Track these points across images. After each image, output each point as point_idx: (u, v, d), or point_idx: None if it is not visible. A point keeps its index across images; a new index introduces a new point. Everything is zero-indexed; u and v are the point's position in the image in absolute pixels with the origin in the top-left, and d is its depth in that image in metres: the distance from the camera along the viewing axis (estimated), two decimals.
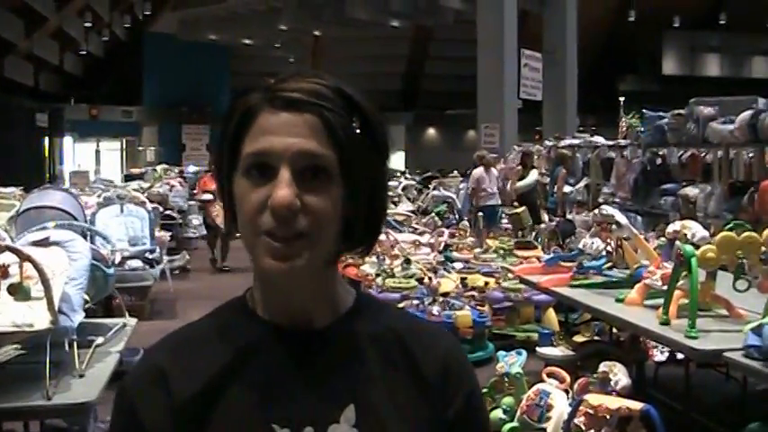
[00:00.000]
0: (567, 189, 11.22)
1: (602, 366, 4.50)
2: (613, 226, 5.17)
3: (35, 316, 3.21)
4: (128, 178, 21.94)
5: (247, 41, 34.08)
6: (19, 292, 3.27)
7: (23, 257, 3.26)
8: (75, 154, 30.88)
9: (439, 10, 26.08)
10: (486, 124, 19.83)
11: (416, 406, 1.14)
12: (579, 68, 23.14)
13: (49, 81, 26.88)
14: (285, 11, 28.43)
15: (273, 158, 1.05)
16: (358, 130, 1.10)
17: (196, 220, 17.90)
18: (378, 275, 8.05)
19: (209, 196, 12.62)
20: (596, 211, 5.50)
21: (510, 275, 7.45)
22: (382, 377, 1.14)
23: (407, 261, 8.14)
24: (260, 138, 1.07)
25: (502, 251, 9.73)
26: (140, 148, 32.79)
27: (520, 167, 12.97)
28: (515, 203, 13.53)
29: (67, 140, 29.78)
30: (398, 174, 26.89)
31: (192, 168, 29.28)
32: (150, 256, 7.83)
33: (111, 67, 30.73)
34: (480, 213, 13.50)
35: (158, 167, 21.54)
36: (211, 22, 30.73)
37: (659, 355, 6.25)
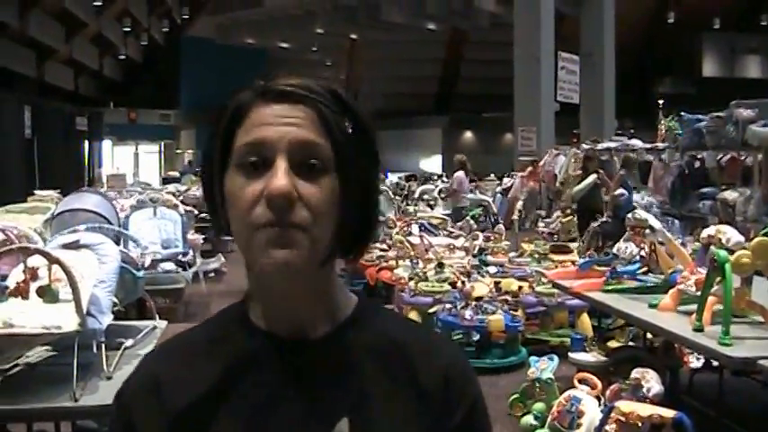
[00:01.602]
0: (619, 191, 11.03)
1: (635, 373, 4.44)
2: (647, 230, 5.10)
3: (63, 318, 3.23)
4: (165, 181, 22.11)
5: (284, 45, 34.30)
6: (47, 294, 3.30)
7: (52, 260, 3.28)
8: (114, 157, 31.24)
9: (474, 13, 26.06)
10: (522, 127, 19.74)
11: (415, 419, 1.10)
12: (616, 71, 22.95)
13: (89, 85, 27.21)
14: (321, 14, 28.58)
15: (268, 148, 1.03)
16: (350, 131, 1.08)
17: None
18: (410, 279, 8.02)
19: None
20: (630, 215, 5.43)
21: (544, 280, 7.37)
22: (380, 389, 1.11)
23: (440, 265, 8.10)
24: (254, 130, 1.04)
25: (537, 255, 9.66)
26: (178, 151, 33.07)
27: (580, 171, 12.80)
28: (567, 209, 13.50)
29: (106, 144, 30.11)
30: (435, 177, 26.86)
31: None
32: (183, 259, 7.87)
33: (149, 72, 31.05)
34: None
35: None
36: (248, 26, 30.97)
37: (695, 361, 6.14)
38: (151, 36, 28.66)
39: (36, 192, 8.09)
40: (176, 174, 24.40)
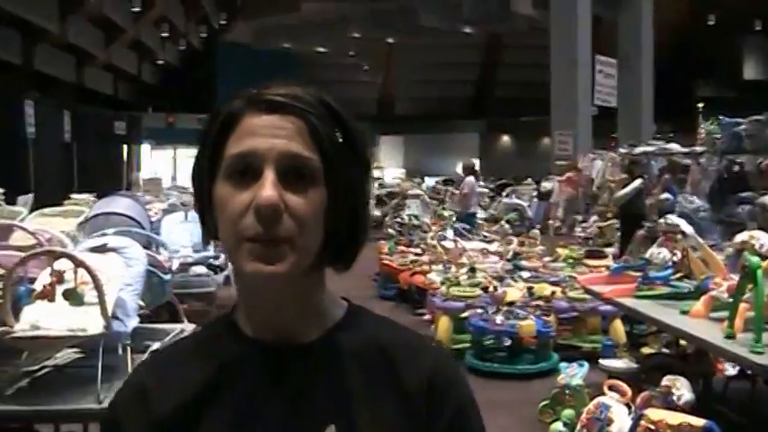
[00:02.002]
0: (664, 196, 10.85)
1: (665, 380, 4.39)
2: (679, 236, 5.04)
3: (89, 321, 3.26)
4: None
5: (321, 49, 34.40)
6: (73, 297, 3.33)
7: (77, 263, 3.31)
8: (153, 161, 31.52)
9: (511, 17, 25.93)
10: (559, 131, 19.60)
11: (400, 424, 1.10)
12: (655, 74, 22.71)
13: (127, 90, 27.52)
14: (357, 19, 28.64)
15: (257, 159, 1.04)
16: (340, 140, 1.09)
17: None
18: (442, 284, 8.00)
19: None
20: (662, 220, 5.36)
21: (576, 285, 7.30)
22: (365, 395, 1.10)
23: (472, 269, 8.08)
24: (243, 140, 1.05)
25: (571, 260, 9.59)
26: None
27: (625, 175, 12.65)
28: (606, 213, 13.41)
29: (145, 148, 30.40)
30: None
31: None
32: (215, 263, 7.92)
33: (187, 76, 31.33)
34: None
35: None
36: (285, 31, 31.09)
37: (730, 368, 6.04)
38: (189, 41, 28.91)
39: (72, 195, 8.17)
40: None
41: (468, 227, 13.09)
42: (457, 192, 16.27)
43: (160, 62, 28.65)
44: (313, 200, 1.05)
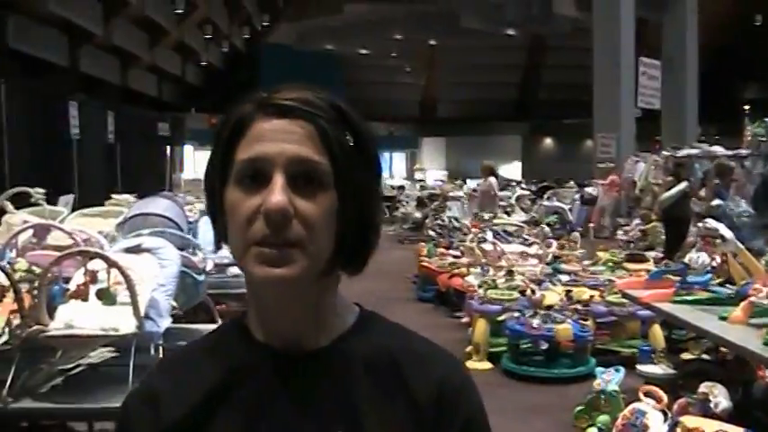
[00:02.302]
0: (716, 202, 10.61)
1: (702, 387, 4.32)
2: (718, 240, 4.96)
3: (121, 320, 3.28)
4: None
5: (363, 51, 34.50)
6: (106, 296, 3.35)
7: (110, 263, 3.34)
8: (196, 162, 31.78)
9: (554, 18, 25.77)
10: (602, 134, 19.44)
11: None
12: (700, 75, 22.43)
13: (171, 91, 27.79)
14: (399, 21, 28.67)
15: (267, 164, 1.04)
16: (351, 144, 1.08)
17: None
18: (480, 286, 7.96)
19: None
20: (700, 224, 5.28)
21: (615, 289, 7.22)
22: (374, 402, 1.09)
23: (510, 272, 8.02)
24: (253, 144, 1.05)
25: (611, 264, 9.49)
26: None
27: (671, 178, 12.47)
28: (649, 217, 13.28)
29: (188, 149, 30.65)
30: (513, 183, 26.72)
31: None
32: None
33: (230, 78, 31.53)
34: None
35: None
36: (327, 32, 31.26)
37: None
38: (232, 43, 29.14)
39: (113, 196, 8.25)
40: None
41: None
42: (476, 194, 16.28)
43: (204, 63, 28.91)
44: (322, 204, 1.05)
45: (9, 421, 3.21)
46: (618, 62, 19.10)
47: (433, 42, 34.18)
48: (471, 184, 25.99)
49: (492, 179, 14.86)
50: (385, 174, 35.36)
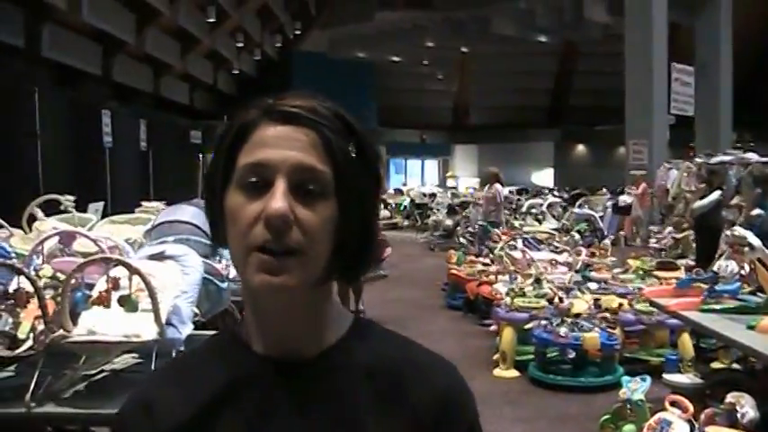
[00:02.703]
0: (756, 212, 10.40)
1: (729, 397, 4.26)
2: (746, 248, 4.90)
3: (143, 327, 3.31)
4: None
5: (395, 58, 34.56)
6: (127, 303, 3.38)
7: (132, 270, 3.37)
8: None
9: (586, 24, 25.66)
10: (634, 141, 19.30)
11: None
12: (734, 81, 22.20)
13: (203, 99, 27.96)
14: (431, 28, 28.69)
15: (270, 170, 1.04)
16: (353, 154, 1.09)
17: None
18: (507, 294, 7.92)
19: None
20: (728, 232, 5.22)
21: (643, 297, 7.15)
22: (374, 411, 1.09)
23: (537, 280, 7.98)
24: (257, 150, 1.05)
25: (642, 272, 9.40)
26: None
27: (704, 185, 12.33)
28: (681, 225, 13.17)
29: None
30: (546, 191, 26.60)
31: None
32: None
33: (262, 85, 31.68)
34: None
35: None
36: (359, 40, 31.37)
37: None
38: (264, 51, 29.27)
39: (143, 203, 8.31)
40: None
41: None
42: (480, 201, 15.94)
43: (236, 71, 29.07)
44: (323, 213, 1.05)
45: (32, 425, 3.24)
46: (650, 68, 18.97)
47: (464, 49, 34.15)
48: (503, 191, 25.90)
49: (497, 186, 14.64)
50: (417, 181, 35.44)
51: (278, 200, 1.01)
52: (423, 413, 1.10)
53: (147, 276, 3.36)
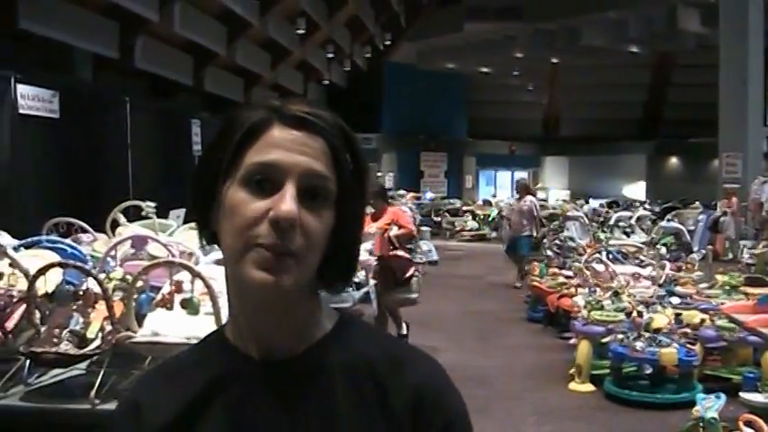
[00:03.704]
0: None
1: None
2: None
3: (203, 329, 3.38)
4: None
5: (484, 70, 34.43)
6: (189, 306, 3.47)
7: (194, 274, 3.45)
8: None
9: (679, 35, 25.14)
10: (727, 153, 18.82)
11: None
12: None
13: None
14: (520, 39, 28.49)
15: (279, 172, 1.05)
16: (351, 167, 1.11)
17: (425, 245, 18.25)
18: (584, 307, 7.80)
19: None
20: None
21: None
22: (352, 409, 1.09)
23: (616, 294, 7.83)
24: (268, 150, 1.07)
25: (729, 287, 9.13)
26: (379, 174, 33.78)
27: None
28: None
29: None
30: (636, 204, 26.10)
31: (429, 195, 29.89)
32: (356, 279, 7.98)
33: (352, 96, 31.97)
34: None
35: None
36: (448, 52, 31.36)
37: None
38: (354, 62, 29.49)
39: None
40: None
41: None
42: (508, 216, 15.33)
43: (326, 82, 29.36)
44: (324, 220, 1.07)
45: (94, 421, 3.34)
46: (745, 79, 18.48)
47: (554, 60, 33.80)
48: (594, 203, 25.54)
49: (530, 198, 14.19)
50: (506, 193, 35.21)
51: (288, 202, 1.03)
52: (399, 409, 1.10)
53: (209, 280, 3.43)
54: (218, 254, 4.26)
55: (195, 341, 3.40)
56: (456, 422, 1.14)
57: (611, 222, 18.36)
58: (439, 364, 1.18)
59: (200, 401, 1.12)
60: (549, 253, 14.16)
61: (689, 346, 6.83)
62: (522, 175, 41.14)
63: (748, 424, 4.41)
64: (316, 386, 1.11)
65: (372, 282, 7.82)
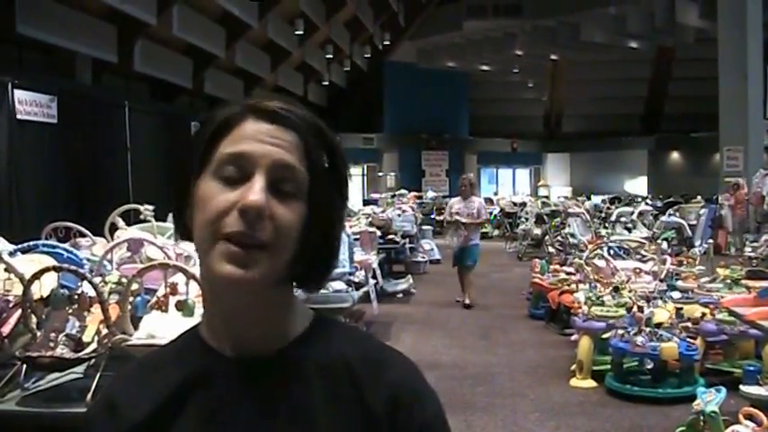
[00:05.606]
0: None
1: None
2: None
3: None
4: (366, 203, 22.72)
5: (485, 67, 34.40)
6: (185, 308, 3.47)
7: (189, 276, 3.45)
8: None
9: (678, 29, 25.12)
10: (728, 147, 18.79)
11: None
12: None
13: None
14: (520, 36, 28.48)
15: (250, 163, 1.05)
16: (326, 165, 1.11)
17: (427, 244, 18.24)
18: (585, 303, 7.79)
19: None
20: None
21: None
22: (328, 409, 1.09)
23: (616, 289, 7.82)
24: (239, 142, 1.06)
25: (730, 281, 9.11)
26: (380, 174, 33.78)
27: None
28: None
29: None
30: (638, 199, 26.08)
31: (431, 194, 29.87)
32: (354, 279, 8.00)
33: (352, 96, 32.00)
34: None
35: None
36: (448, 50, 31.36)
37: None
38: (354, 62, 29.49)
39: None
40: (377, 195, 24.95)
41: None
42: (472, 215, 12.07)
43: (326, 83, 29.38)
44: (296, 213, 1.06)
45: None
46: (745, 73, 18.46)
47: (554, 57, 33.76)
48: (596, 200, 25.53)
49: (477, 200, 12.41)
50: (508, 190, 35.17)
51: (256, 192, 1.02)
52: (376, 409, 1.09)
53: None
54: None
55: None
56: (433, 423, 1.14)
57: (613, 218, 18.37)
58: (415, 364, 1.17)
59: (175, 400, 1.11)
60: (550, 250, 14.17)
61: (690, 340, 6.81)
62: (523, 172, 41.22)
63: (749, 417, 4.41)
64: (291, 385, 1.10)
65: (372, 281, 7.82)
